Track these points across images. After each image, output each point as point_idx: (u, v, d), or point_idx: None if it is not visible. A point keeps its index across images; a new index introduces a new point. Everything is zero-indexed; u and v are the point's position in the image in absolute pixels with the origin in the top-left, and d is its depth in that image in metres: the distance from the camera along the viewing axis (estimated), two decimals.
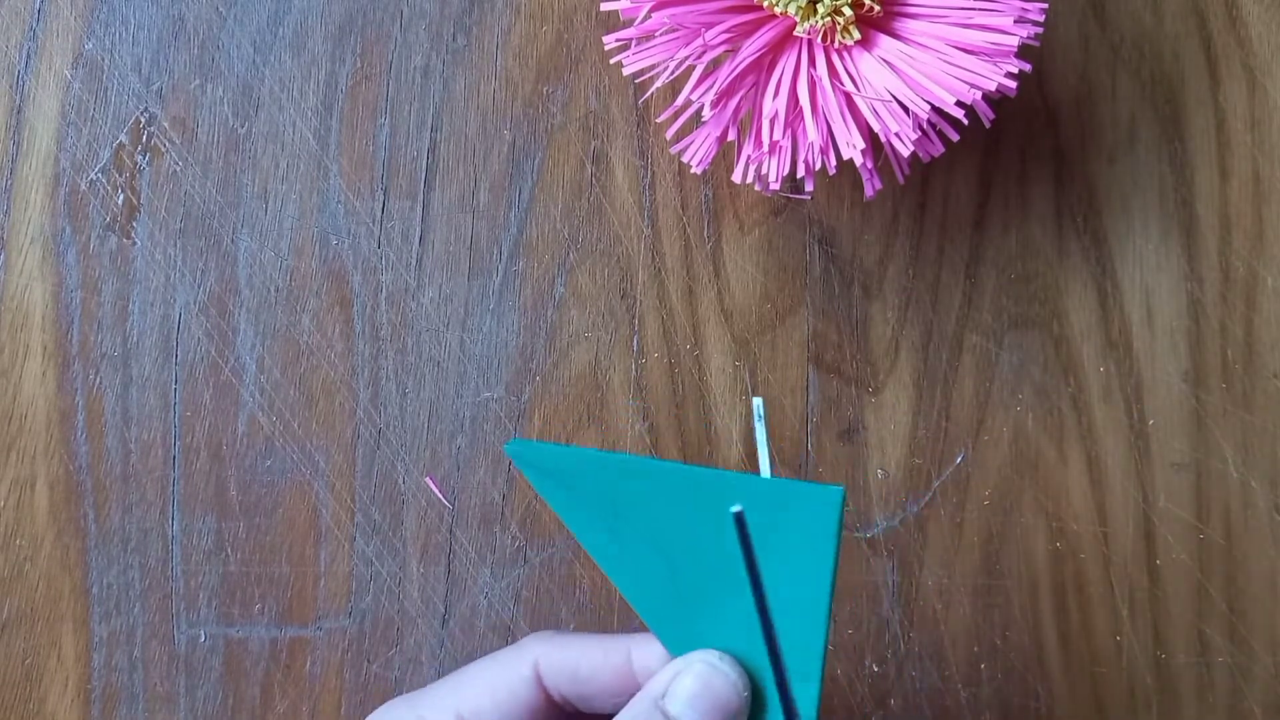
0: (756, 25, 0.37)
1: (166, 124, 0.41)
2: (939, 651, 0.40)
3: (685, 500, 0.29)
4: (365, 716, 0.33)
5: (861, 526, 0.40)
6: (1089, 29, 0.42)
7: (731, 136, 0.37)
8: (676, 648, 0.30)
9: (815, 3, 0.37)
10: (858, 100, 0.36)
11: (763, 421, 0.31)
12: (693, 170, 0.38)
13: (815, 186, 0.41)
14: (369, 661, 0.40)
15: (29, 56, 0.41)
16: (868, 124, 0.36)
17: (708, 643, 0.30)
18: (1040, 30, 0.36)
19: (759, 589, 0.29)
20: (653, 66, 0.37)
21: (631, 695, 0.30)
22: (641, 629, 0.32)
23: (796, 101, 0.37)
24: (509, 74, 0.42)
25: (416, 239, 0.41)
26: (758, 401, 0.31)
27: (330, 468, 0.40)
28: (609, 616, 0.40)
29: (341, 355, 0.41)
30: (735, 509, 0.28)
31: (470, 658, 0.39)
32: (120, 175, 0.41)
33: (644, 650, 0.32)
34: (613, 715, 0.30)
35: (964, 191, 0.42)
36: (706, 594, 0.29)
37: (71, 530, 0.40)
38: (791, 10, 0.37)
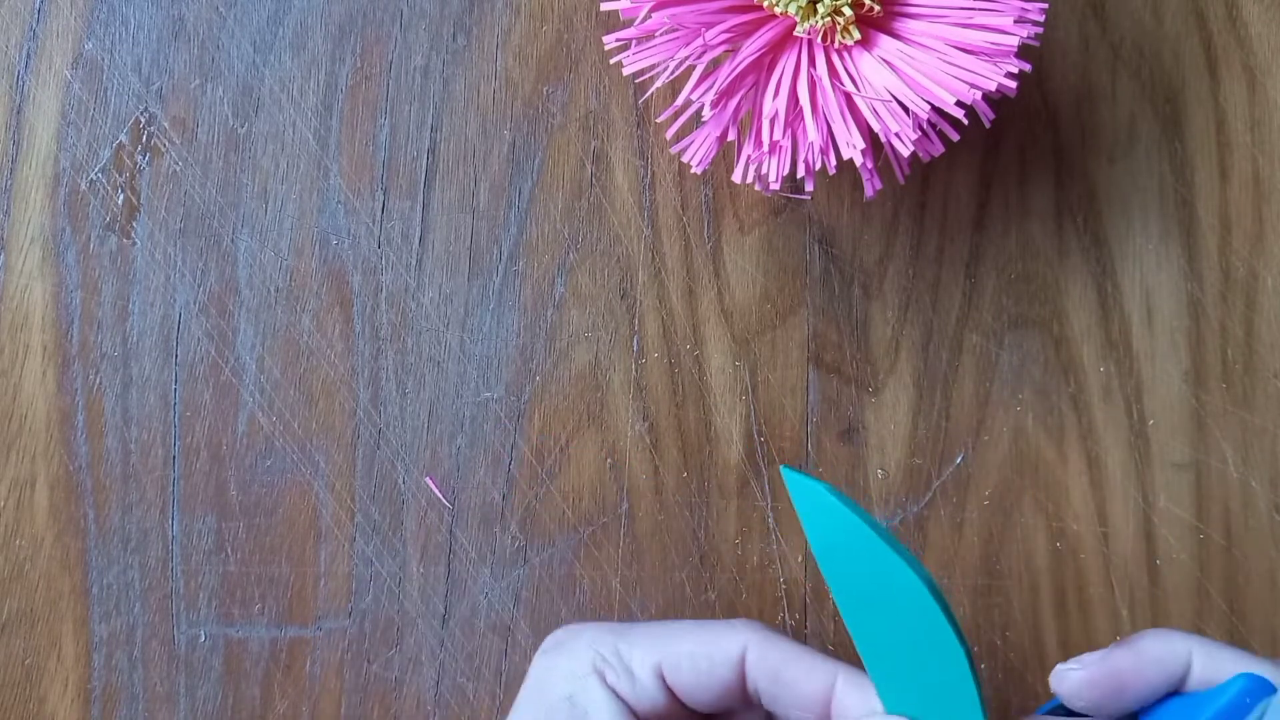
0: (756, 25, 0.37)
1: (166, 124, 0.41)
2: None
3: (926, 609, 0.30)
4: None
5: None
6: (1089, 29, 0.42)
7: (731, 136, 0.37)
8: (891, 704, 0.31)
9: (815, 3, 0.37)
10: (858, 100, 0.36)
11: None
12: (693, 170, 0.38)
13: (815, 186, 0.41)
14: (369, 662, 0.40)
15: (29, 56, 0.41)
16: (868, 124, 0.36)
17: (918, 713, 0.31)
18: (1040, 30, 0.36)
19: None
20: (653, 66, 0.37)
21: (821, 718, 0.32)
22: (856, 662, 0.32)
23: (796, 101, 0.37)
24: (509, 74, 0.42)
25: (416, 239, 0.41)
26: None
27: (330, 468, 0.40)
28: (609, 617, 0.40)
29: (341, 355, 0.41)
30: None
31: (470, 658, 0.39)
32: (120, 175, 0.41)
33: (850, 686, 0.32)
34: None
35: (964, 191, 0.42)
36: (927, 673, 0.30)
37: (71, 530, 0.40)
38: (791, 10, 0.37)
